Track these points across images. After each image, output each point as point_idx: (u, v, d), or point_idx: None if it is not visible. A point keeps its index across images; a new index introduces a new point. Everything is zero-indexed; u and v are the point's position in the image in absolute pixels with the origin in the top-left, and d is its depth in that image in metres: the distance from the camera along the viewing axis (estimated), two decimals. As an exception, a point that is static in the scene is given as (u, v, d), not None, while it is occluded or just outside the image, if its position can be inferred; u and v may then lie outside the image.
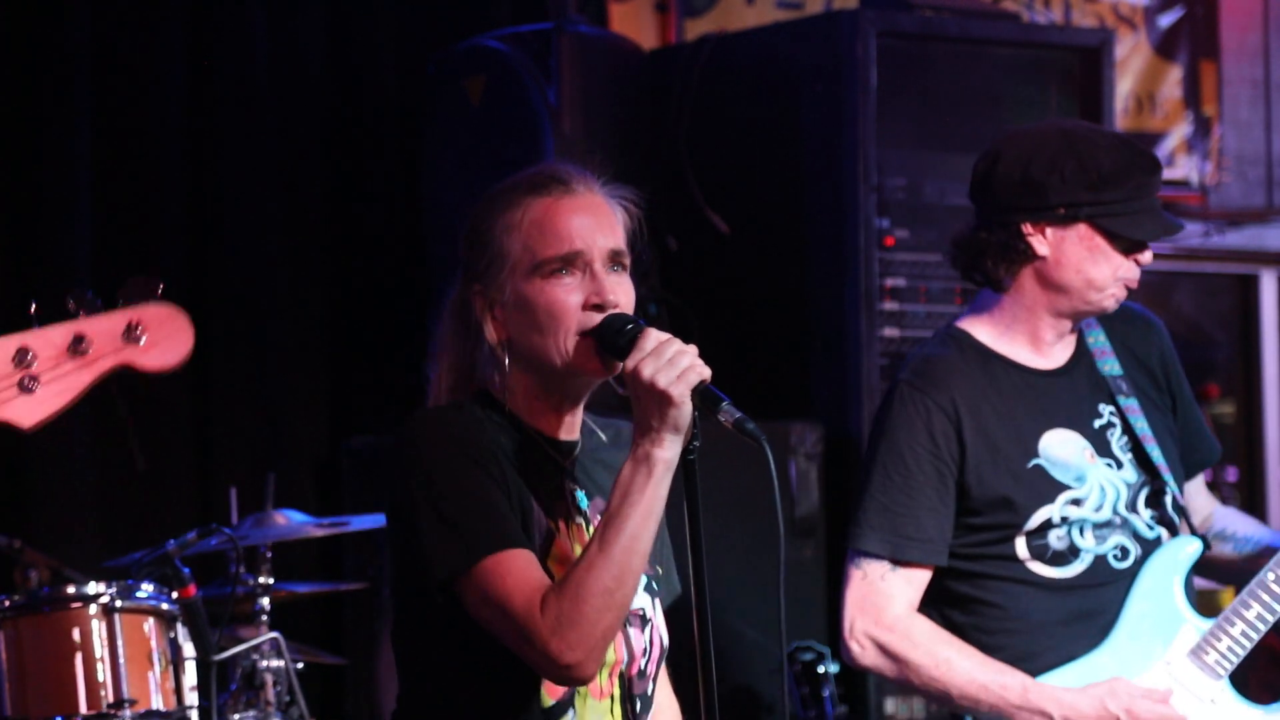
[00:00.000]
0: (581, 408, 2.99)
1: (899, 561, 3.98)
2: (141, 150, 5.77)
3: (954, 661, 3.95)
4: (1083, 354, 4.11)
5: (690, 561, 2.83)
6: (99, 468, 5.64)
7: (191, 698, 4.45)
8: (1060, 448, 4.03)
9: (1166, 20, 7.62)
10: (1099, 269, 3.97)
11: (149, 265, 5.77)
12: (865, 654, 4.00)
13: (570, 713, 2.90)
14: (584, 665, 2.77)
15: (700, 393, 2.79)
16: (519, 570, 2.78)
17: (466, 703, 2.87)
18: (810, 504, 5.62)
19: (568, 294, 2.89)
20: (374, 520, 4.86)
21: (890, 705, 5.68)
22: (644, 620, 2.98)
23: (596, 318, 2.88)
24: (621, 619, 2.80)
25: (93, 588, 4.35)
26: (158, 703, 4.37)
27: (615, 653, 2.92)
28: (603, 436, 3.06)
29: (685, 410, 2.78)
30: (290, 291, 5.97)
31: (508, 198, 2.96)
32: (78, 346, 2.70)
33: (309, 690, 4.95)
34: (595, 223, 2.93)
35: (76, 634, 4.34)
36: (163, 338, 2.78)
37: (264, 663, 4.71)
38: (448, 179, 5.88)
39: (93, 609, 4.34)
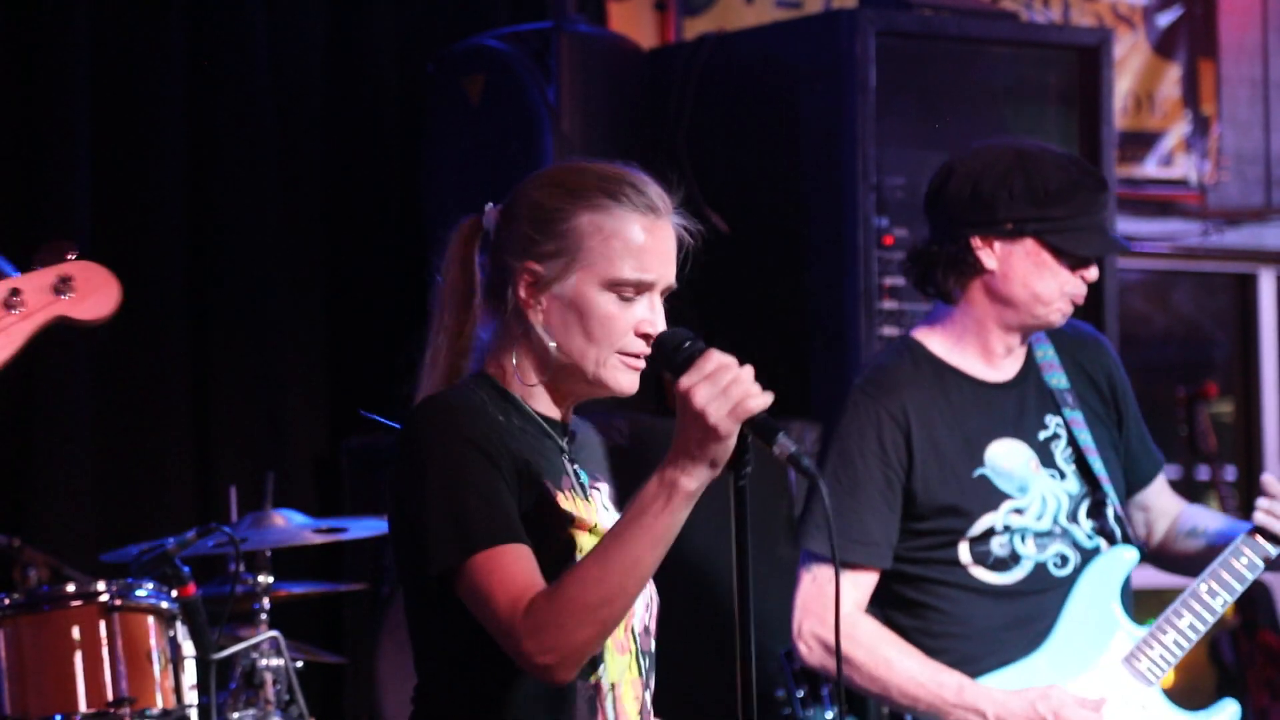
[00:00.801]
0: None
1: (844, 563, 4.03)
2: (141, 150, 5.77)
3: (894, 661, 4.05)
4: (1031, 367, 4.21)
5: (736, 589, 2.82)
6: (99, 467, 5.64)
7: (191, 696, 4.45)
8: (1006, 458, 4.14)
9: (1165, 19, 7.62)
10: (1045, 284, 4.08)
11: (149, 264, 5.78)
12: (812, 654, 4.11)
13: (601, 666, 2.91)
14: (558, 668, 2.76)
15: (755, 424, 2.73)
16: (508, 567, 2.78)
17: (500, 670, 2.85)
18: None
19: (625, 314, 2.91)
20: (371, 526, 4.86)
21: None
22: None
23: (639, 345, 2.91)
24: (607, 633, 2.79)
25: (92, 587, 4.35)
26: (157, 701, 4.37)
27: (637, 604, 2.93)
28: (591, 431, 3.10)
29: (729, 445, 2.72)
30: (290, 291, 5.97)
31: (594, 196, 2.94)
32: (13, 299, 2.88)
33: (308, 689, 4.95)
34: (671, 255, 2.97)
35: (76, 633, 4.34)
36: (91, 290, 2.97)
37: (263, 661, 4.71)
38: (448, 178, 5.88)
39: (93, 608, 4.34)
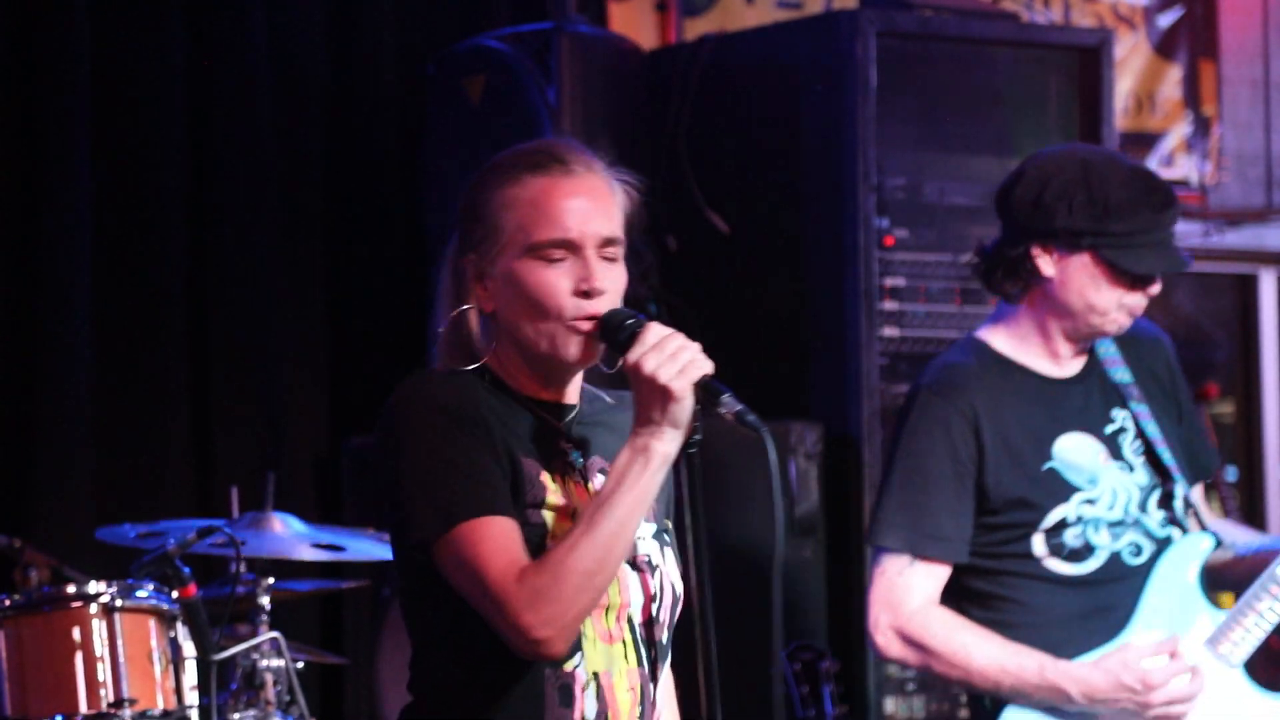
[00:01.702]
0: (576, 380, 3.00)
1: (918, 556, 4.16)
2: (141, 149, 5.77)
3: (973, 646, 4.13)
4: (1095, 363, 4.28)
5: (692, 555, 2.85)
6: (99, 466, 5.64)
7: (192, 697, 4.45)
8: (1075, 451, 4.20)
9: (1166, 20, 7.62)
10: (1101, 296, 4.14)
11: (149, 264, 5.78)
12: (890, 646, 4.20)
13: (579, 655, 2.90)
14: (553, 642, 2.78)
15: (702, 386, 2.82)
16: (497, 538, 2.79)
17: (473, 655, 2.87)
18: (810, 504, 5.63)
19: (557, 278, 2.89)
20: (371, 543, 4.85)
21: (890, 705, 5.69)
22: (652, 566, 2.98)
23: (584, 307, 2.89)
24: (597, 600, 2.82)
25: (93, 587, 4.35)
26: (158, 702, 4.37)
27: (619, 596, 2.92)
28: (608, 400, 3.06)
29: (686, 405, 2.81)
30: (290, 291, 5.97)
31: (507, 172, 2.96)
32: None
33: (309, 690, 4.95)
34: (592, 207, 2.92)
35: (77, 633, 4.34)
36: None
37: (264, 662, 4.70)
38: (448, 179, 5.88)
39: (93, 608, 4.34)
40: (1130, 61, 7.50)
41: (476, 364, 2.96)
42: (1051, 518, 4.16)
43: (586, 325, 2.89)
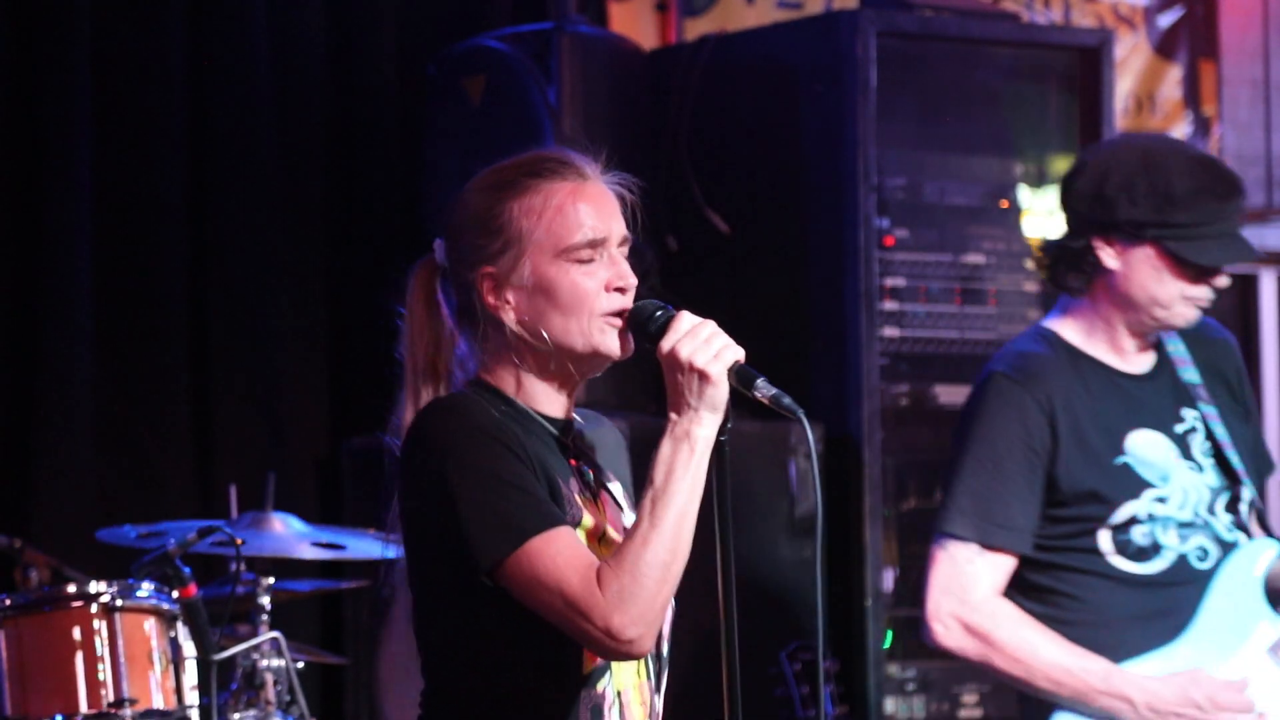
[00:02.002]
0: (576, 394, 3.03)
1: (986, 546, 4.09)
2: (141, 150, 5.77)
3: (1038, 644, 4.06)
4: (1165, 361, 4.23)
5: (718, 544, 2.89)
6: (99, 466, 5.64)
7: (192, 697, 4.45)
8: (1147, 448, 4.15)
9: (1166, 20, 7.62)
10: (1165, 288, 4.10)
11: (149, 264, 5.78)
12: (949, 634, 4.11)
13: (606, 675, 2.92)
14: (644, 640, 2.80)
15: (736, 372, 2.86)
16: (569, 548, 2.81)
17: (504, 680, 2.87)
18: (811, 504, 5.62)
19: (591, 278, 2.94)
20: (371, 542, 4.85)
21: (890, 705, 5.69)
22: None
23: (619, 300, 2.94)
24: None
25: (93, 587, 4.35)
26: (158, 702, 4.37)
27: None
28: (579, 419, 3.08)
29: (722, 389, 2.85)
30: (290, 291, 5.97)
31: (521, 183, 3.01)
32: None
33: (309, 690, 4.94)
34: (610, 209, 2.99)
35: (77, 633, 4.34)
36: None
37: (264, 662, 4.70)
38: (448, 179, 5.88)
39: (93, 608, 4.34)
40: (1130, 62, 7.50)
41: (472, 382, 2.98)
42: (1121, 514, 4.10)
43: (619, 322, 2.94)
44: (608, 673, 2.91)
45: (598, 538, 2.93)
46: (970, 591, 4.09)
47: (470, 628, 2.88)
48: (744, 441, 5.56)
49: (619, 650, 2.80)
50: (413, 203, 6.08)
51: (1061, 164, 6.03)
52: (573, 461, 2.99)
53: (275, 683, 4.71)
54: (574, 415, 3.04)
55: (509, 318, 2.95)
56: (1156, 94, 7.59)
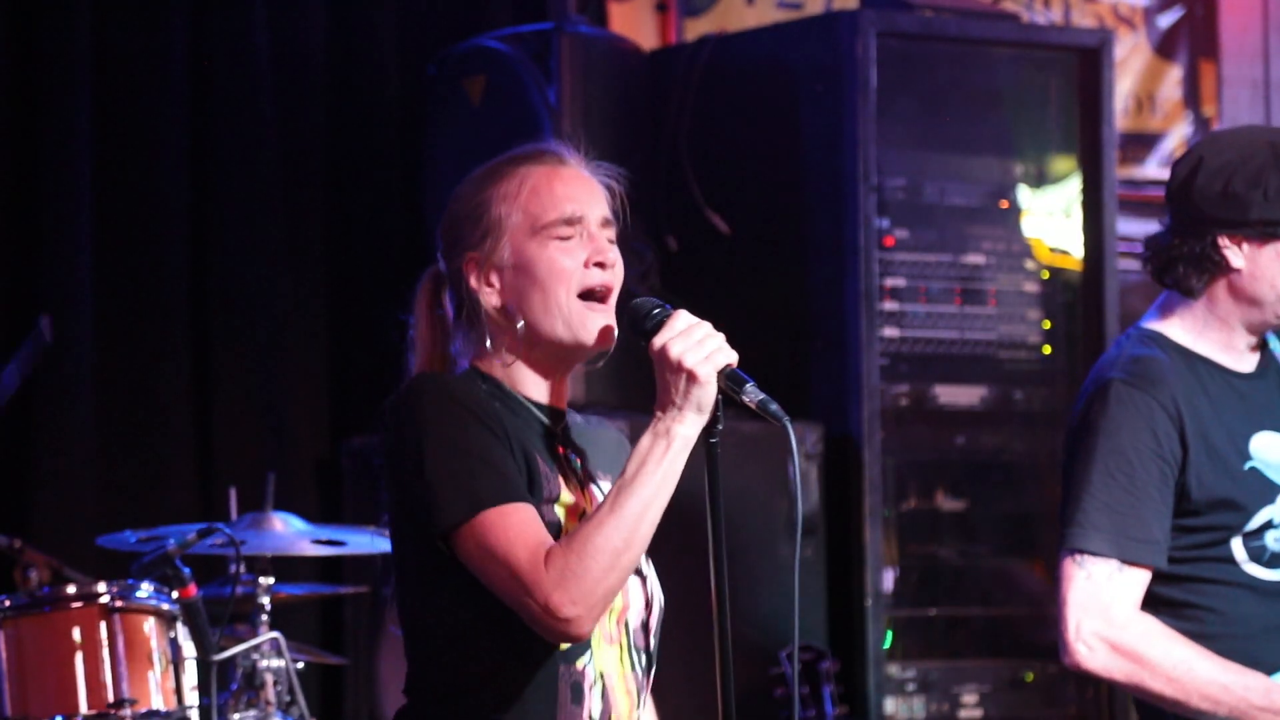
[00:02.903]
0: (567, 383, 3.05)
1: (1125, 561, 3.90)
2: (142, 150, 5.77)
3: (1192, 662, 3.88)
4: (1269, 359, 4.09)
5: (711, 544, 2.88)
6: (100, 466, 5.64)
7: (192, 697, 4.45)
8: (1271, 450, 3.99)
9: (1166, 20, 7.62)
10: None
11: (149, 264, 5.78)
12: (1095, 656, 3.91)
13: (587, 654, 2.93)
14: (581, 621, 2.80)
15: (726, 375, 2.87)
16: (522, 523, 2.82)
17: (482, 651, 2.89)
18: (810, 504, 5.62)
19: (569, 254, 2.97)
20: (371, 541, 4.85)
21: (890, 705, 5.69)
22: (642, 575, 3.02)
23: (595, 276, 2.95)
24: (624, 581, 2.85)
25: (93, 587, 4.35)
26: (158, 702, 4.37)
27: (622, 599, 2.95)
28: (578, 418, 3.10)
29: (710, 390, 2.85)
30: (290, 291, 5.97)
31: (500, 171, 3.04)
32: None
33: (309, 690, 4.94)
34: (589, 191, 3.01)
35: (77, 634, 4.34)
36: None
37: (264, 662, 4.70)
38: (448, 179, 5.84)
39: (93, 609, 4.34)
40: (1130, 62, 7.50)
41: (467, 370, 3.01)
42: (1256, 520, 3.93)
43: (606, 305, 2.96)
44: (587, 651, 2.92)
45: (577, 516, 2.95)
46: (1113, 610, 3.88)
47: (442, 601, 2.90)
48: (744, 441, 5.56)
49: (556, 628, 2.80)
50: (413, 203, 6.08)
51: (1062, 164, 6.03)
52: (560, 449, 3.01)
53: (275, 683, 4.71)
54: (568, 410, 3.06)
55: (492, 300, 2.99)
56: (1156, 94, 7.59)
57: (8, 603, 4.36)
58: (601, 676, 2.94)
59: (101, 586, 4.36)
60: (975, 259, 5.93)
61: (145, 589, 4.41)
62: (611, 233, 3.01)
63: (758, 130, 5.96)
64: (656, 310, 2.92)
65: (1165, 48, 7.62)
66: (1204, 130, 7.61)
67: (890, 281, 5.80)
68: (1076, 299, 6.01)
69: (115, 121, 5.72)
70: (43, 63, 5.61)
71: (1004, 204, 5.98)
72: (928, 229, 5.87)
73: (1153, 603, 3.94)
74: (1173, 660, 3.87)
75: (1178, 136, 7.59)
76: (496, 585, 2.82)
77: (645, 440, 2.86)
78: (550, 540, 2.82)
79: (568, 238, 2.97)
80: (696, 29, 6.61)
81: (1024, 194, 6.00)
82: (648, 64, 6.10)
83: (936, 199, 5.90)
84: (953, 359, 5.88)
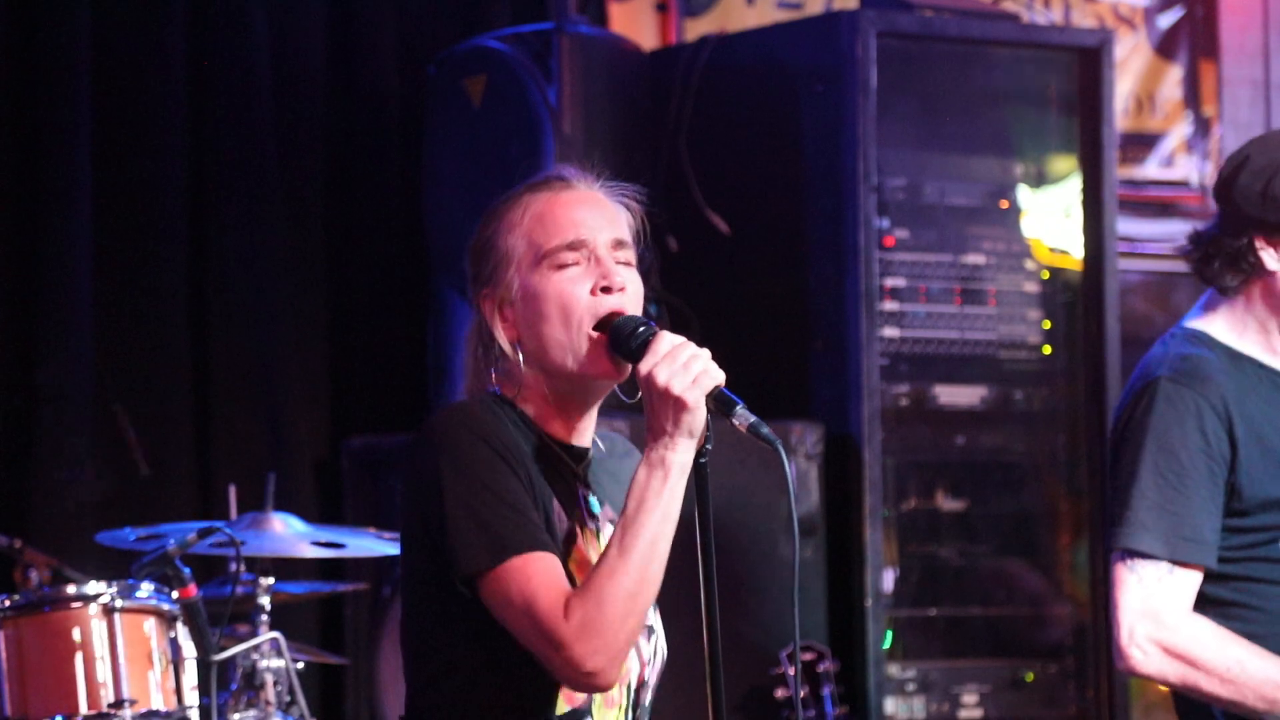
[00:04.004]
0: (593, 414, 2.98)
1: (1177, 562, 3.84)
2: (141, 150, 5.77)
3: (1246, 662, 3.83)
4: None
5: (701, 565, 2.82)
6: (99, 467, 5.64)
7: (192, 697, 4.45)
8: None
9: (1166, 20, 7.62)
10: None
11: (149, 264, 5.78)
12: (1149, 660, 3.85)
13: (587, 719, 2.89)
14: (606, 672, 2.76)
15: (715, 397, 2.80)
16: (545, 573, 2.77)
17: (480, 705, 2.85)
18: (810, 504, 5.63)
19: (574, 283, 2.89)
20: (370, 542, 4.85)
21: (890, 705, 5.69)
22: (650, 630, 2.98)
23: (606, 303, 2.88)
24: (643, 624, 2.81)
25: (93, 587, 4.35)
26: (158, 702, 4.37)
27: (633, 661, 2.92)
28: (601, 446, 3.04)
29: (699, 415, 2.79)
30: (290, 292, 5.97)
31: (505, 203, 2.97)
32: None
33: (309, 690, 4.94)
34: (597, 213, 2.93)
35: (77, 634, 4.33)
36: None
37: (264, 662, 4.70)
38: (448, 179, 5.88)
39: (93, 609, 4.34)
40: (1130, 62, 7.50)
41: (495, 398, 2.94)
42: None
43: (600, 337, 2.87)
44: (589, 716, 2.88)
45: (579, 564, 2.89)
46: (1166, 613, 3.83)
47: (452, 639, 2.86)
48: (744, 441, 5.55)
49: (582, 681, 2.77)
50: (413, 203, 6.08)
51: (1062, 164, 6.03)
52: (580, 489, 2.96)
53: (275, 683, 4.71)
54: (594, 442, 3.00)
55: (507, 335, 2.93)
56: (1156, 94, 7.58)
57: (8, 603, 4.36)
58: None
59: (101, 586, 4.35)
60: (975, 259, 5.93)
61: (145, 589, 4.41)
62: (626, 254, 2.93)
63: (758, 130, 5.96)
64: (641, 329, 2.84)
65: (1165, 48, 7.62)
66: (1204, 130, 7.61)
67: (890, 281, 5.80)
68: (1076, 299, 6.01)
69: (115, 122, 5.72)
70: (43, 63, 5.61)
71: (1004, 204, 5.98)
72: (928, 229, 5.87)
73: (1201, 602, 3.88)
74: (1227, 661, 3.82)
75: (1178, 136, 7.59)
76: (520, 635, 2.78)
77: (641, 473, 2.79)
78: (570, 589, 2.77)
79: (573, 264, 2.89)
80: (696, 29, 6.61)
81: (1024, 194, 6.00)
82: (648, 64, 6.10)
83: (936, 199, 5.89)
84: (953, 359, 5.88)
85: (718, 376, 2.81)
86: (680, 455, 2.79)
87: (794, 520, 2.93)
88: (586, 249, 2.90)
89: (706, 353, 2.82)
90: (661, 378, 2.77)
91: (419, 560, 2.87)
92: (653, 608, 2.97)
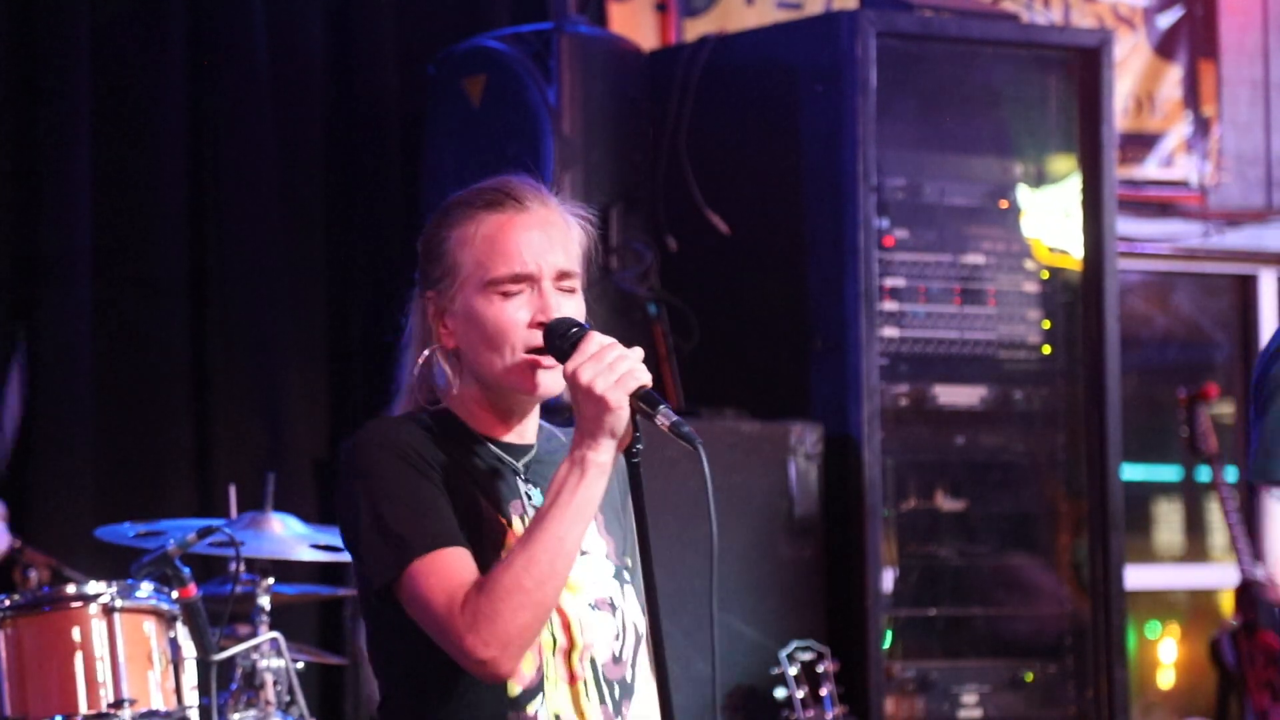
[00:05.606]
0: (533, 417, 3.02)
1: None
2: (141, 149, 5.78)
3: None
4: None
5: (640, 562, 2.86)
6: (100, 466, 5.65)
7: (191, 697, 4.45)
8: None
9: (1166, 20, 7.62)
10: None
11: (149, 263, 5.78)
12: None
13: (539, 697, 2.92)
14: (499, 661, 2.80)
15: (640, 397, 2.83)
16: (444, 569, 2.83)
17: (438, 698, 2.90)
18: (810, 504, 5.63)
19: (514, 312, 2.93)
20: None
21: (890, 705, 5.69)
22: (614, 607, 3.00)
23: (539, 336, 2.91)
24: (544, 617, 2.83)
25: (93, 587, 4.35)
26: (157, 702, 4.37)
27: (581, 637, 2.94)
28: (563, 439, 3.07)
29: (622, 415, 2.82)
30: (290, 291, 5.97)
31: (462, 210, 3.00)
32: None
33: (309, 690, 4.94)
34: (547, 241, 2.96)
35: (76, 634, 4.34)
36: None
37: (264, 662, 4.71)
38: (448, 179, 5.88)
39: (93, 609, 4.34)
40: (1130, 62, 7.50)
41: (437, 405, 2.99)
42: None
43: (551, 360, 2.90)
44: (538, 695, 2.91)
45: None
46: None
47: (396, 647, 2.93)
48: (744, 441, 5.57)
49: (478, 670, 2.81)
50: (413, 203, 6.08)
51: (1062, 164, 6.04)
52: (522, 484, 2.99)
53: (275, 683, 4.71)
54: (537, 439, 3.03)
55: (447, 342, 2.98)
56: (1156, 94, 7.59)
57: (8, 603, 4.36)
58: (557, 718, 2.92)
59: (101, 586, 4.36)
60: (975, 259, 5.93)
61: (145, 589, 4.41)
62: (570, 282, 2.96)
63: (757, 130, 5.96)
64: (572, 330, 2.87)
65: (1165, 48, 7.62)
66: (1204, 130, 7.61)
67: (890, 281, 5.80)
68: (1076, 299, 6.01)
69: (115, 121, 5.72)
70: (43, 63, 5.61)
71: (1004, 204, 5.99)
72: (927, 229, 5.87)
73: None
74: None
75: (1177, 136, 7.60)
76: (430, 633, 2.84)
77: (561, 470, 2.84)
78: (470, 584, 2.82)
79: (516, 294, 2.93)
80: (696, 29, 6.61)
81: (1024, 194, 6.00)
82: (648, 64, 6.11)
83: (936, 199, 5.90)
84: (952, 359, 5.88)
85: (643, 378, 2.83)
86: (601, 455, 2.83)
87: (713, 519, 2.91)
88: (531, 280, 2.94)
89: (636, 353, 2.85)
90: (585, 376, 2.81)
91: (359, 577, 2.95)
92: (620, 585, 3.00)
